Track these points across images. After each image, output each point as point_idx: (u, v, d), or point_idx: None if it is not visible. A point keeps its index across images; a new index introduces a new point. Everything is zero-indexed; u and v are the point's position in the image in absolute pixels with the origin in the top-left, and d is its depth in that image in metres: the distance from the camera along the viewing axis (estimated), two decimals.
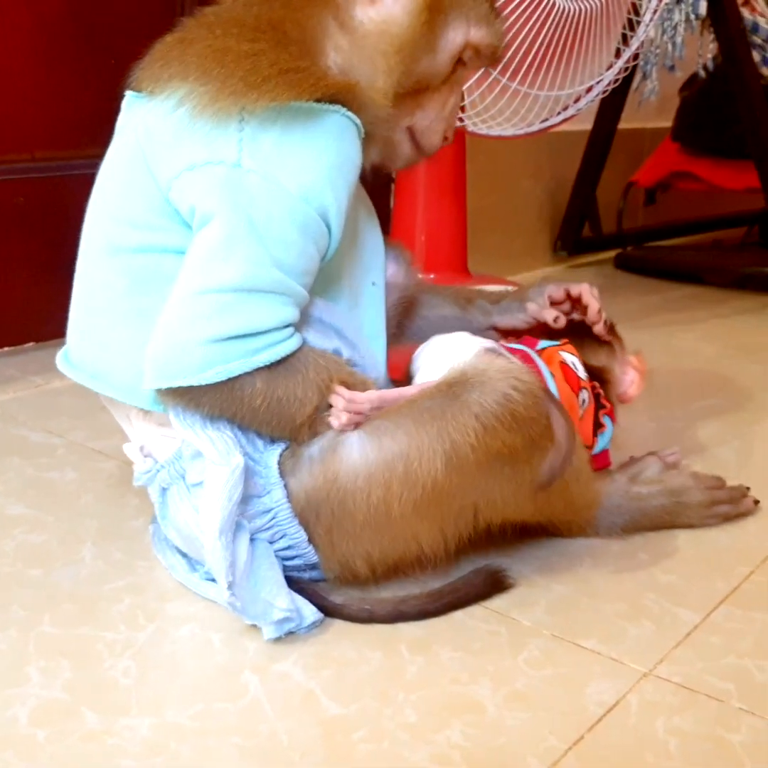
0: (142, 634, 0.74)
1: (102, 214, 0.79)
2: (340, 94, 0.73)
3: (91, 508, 0.95)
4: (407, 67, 0.77)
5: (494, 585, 0.80)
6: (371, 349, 0.83)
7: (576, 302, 0.96)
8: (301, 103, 0.71)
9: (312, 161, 0.72)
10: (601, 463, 0.91)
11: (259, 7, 0.76)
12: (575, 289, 0.96)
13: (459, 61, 0.81)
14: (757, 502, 0.94)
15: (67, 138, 1.32)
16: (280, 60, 0.71)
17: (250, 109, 0.70)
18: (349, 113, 0.73)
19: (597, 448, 0.90)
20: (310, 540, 0.76)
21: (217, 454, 0.72)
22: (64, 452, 1.09)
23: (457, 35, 0.80)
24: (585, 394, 0.88)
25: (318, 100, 0.71)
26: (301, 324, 0.75)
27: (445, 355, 0.82)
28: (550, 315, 0.94)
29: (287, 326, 0.73)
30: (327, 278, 0.78)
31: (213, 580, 0.79)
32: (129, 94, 0.80)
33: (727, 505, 0.92)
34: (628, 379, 0.96)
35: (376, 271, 0.86)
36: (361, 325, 0.83)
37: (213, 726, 0.64)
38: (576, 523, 0.87)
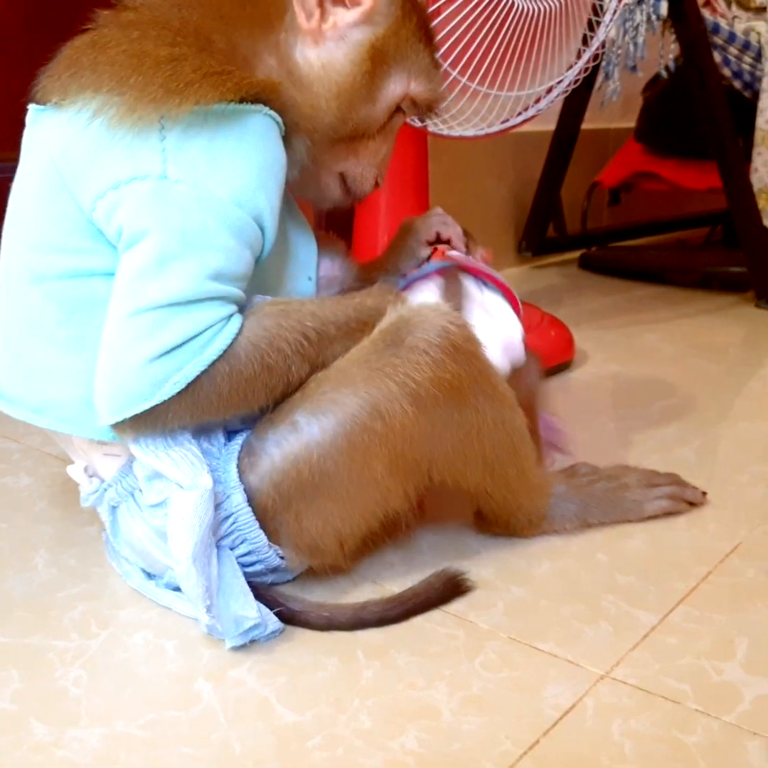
0: (95, 641, 0.73)
1: (18, 241, 0.76)
2: (263, 93, 0.71)
3: (46, 514, 0.94)
4: (344, 114, 0.77)
5: (454, 589, 0.80)
6: None
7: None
8: (225, 105, 0.69)
9: (241, 165, 0.70)
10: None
11: (188, 12, 0.73)
12: (445, 235, 0.97)
13: (397, 110, 0.81)
14: (704, 493, 0.96)
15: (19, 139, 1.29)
16: (204, 65, 0.68)
17: (171, 116, 0.68)
18: (271, 112, 0.72)
19: None
20: (276, 532, 0.75)
21: (183, 476, 0.70)
22: (20, 457, 1.08)
23: (397, 87, 0.79)
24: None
25: (241, 101, 0.69)
26: None
27: None
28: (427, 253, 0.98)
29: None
30: (261, 277, 0.77)
31: (171, 587, 0.78)
32: (32, 108, 0.75)
33: (669, 487, 0.94)
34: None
35: (310, 266, 0.85)
36: None
37: (164, 735, 0.63)
38: (533, 512, 0.87)
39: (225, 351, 0.70)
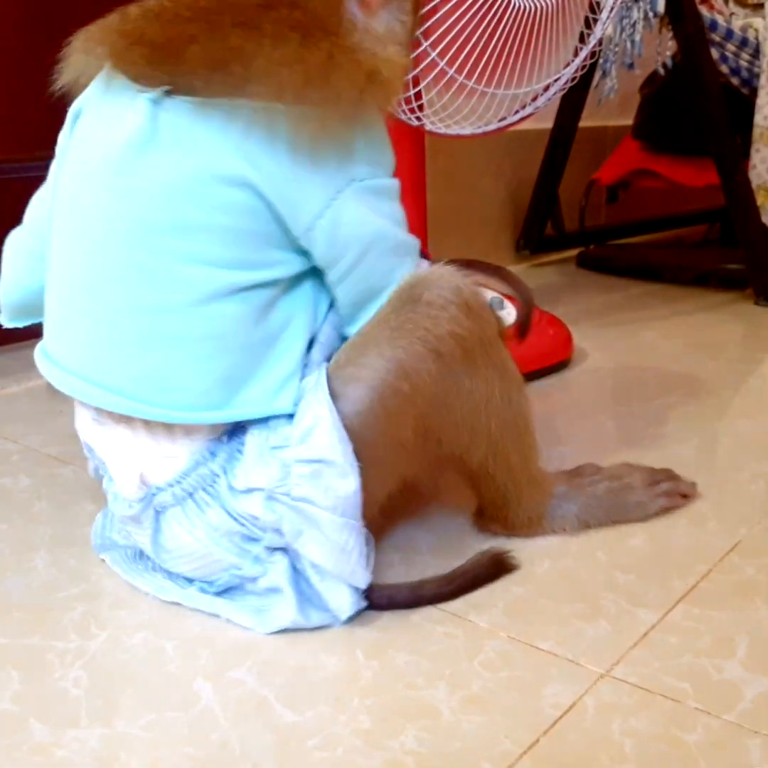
0: (94, 642, 0.73)
1: (170, 255, 0.70)
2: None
3: (45, 515, 0.94)
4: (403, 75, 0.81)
5: (500, 565, 0.82)
6: None
7: None
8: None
9: (387, 142, 0.77)
10: None
11: None
12: None
13: None
14: (693, 484, 0.97)
15: (22, 139, 1.30)
16: (351, 61, 0.70)
17: (358, 124, 0.72)
18: None
19: None
20: None
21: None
22: (19, 458, 1.08)
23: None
24: None
25: None
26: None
27: None
28: None
29: None
30: None
31: (218, 592, 0.78)
32: (142, 93, 0.70)
33: (667, 483, 0.94)
34: None
35: None
36: None
37: (164, 736, 0.63)
38: (533, 509, 0.87)
39: None
